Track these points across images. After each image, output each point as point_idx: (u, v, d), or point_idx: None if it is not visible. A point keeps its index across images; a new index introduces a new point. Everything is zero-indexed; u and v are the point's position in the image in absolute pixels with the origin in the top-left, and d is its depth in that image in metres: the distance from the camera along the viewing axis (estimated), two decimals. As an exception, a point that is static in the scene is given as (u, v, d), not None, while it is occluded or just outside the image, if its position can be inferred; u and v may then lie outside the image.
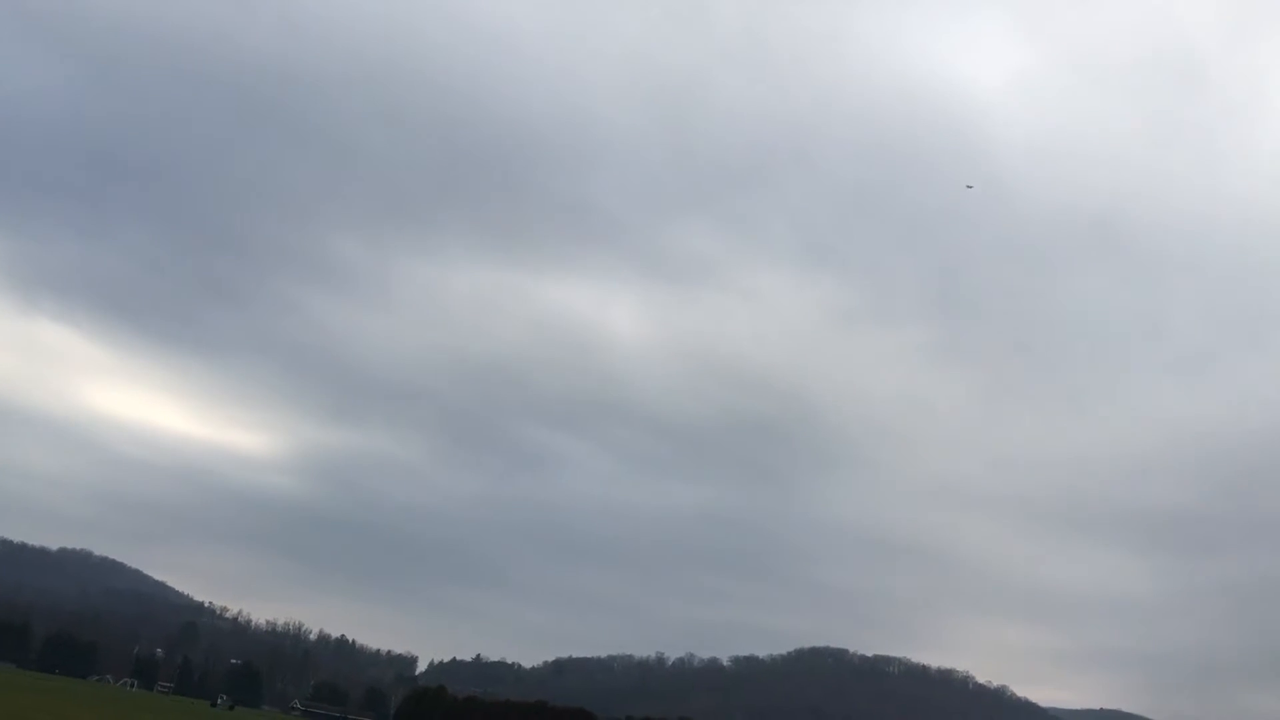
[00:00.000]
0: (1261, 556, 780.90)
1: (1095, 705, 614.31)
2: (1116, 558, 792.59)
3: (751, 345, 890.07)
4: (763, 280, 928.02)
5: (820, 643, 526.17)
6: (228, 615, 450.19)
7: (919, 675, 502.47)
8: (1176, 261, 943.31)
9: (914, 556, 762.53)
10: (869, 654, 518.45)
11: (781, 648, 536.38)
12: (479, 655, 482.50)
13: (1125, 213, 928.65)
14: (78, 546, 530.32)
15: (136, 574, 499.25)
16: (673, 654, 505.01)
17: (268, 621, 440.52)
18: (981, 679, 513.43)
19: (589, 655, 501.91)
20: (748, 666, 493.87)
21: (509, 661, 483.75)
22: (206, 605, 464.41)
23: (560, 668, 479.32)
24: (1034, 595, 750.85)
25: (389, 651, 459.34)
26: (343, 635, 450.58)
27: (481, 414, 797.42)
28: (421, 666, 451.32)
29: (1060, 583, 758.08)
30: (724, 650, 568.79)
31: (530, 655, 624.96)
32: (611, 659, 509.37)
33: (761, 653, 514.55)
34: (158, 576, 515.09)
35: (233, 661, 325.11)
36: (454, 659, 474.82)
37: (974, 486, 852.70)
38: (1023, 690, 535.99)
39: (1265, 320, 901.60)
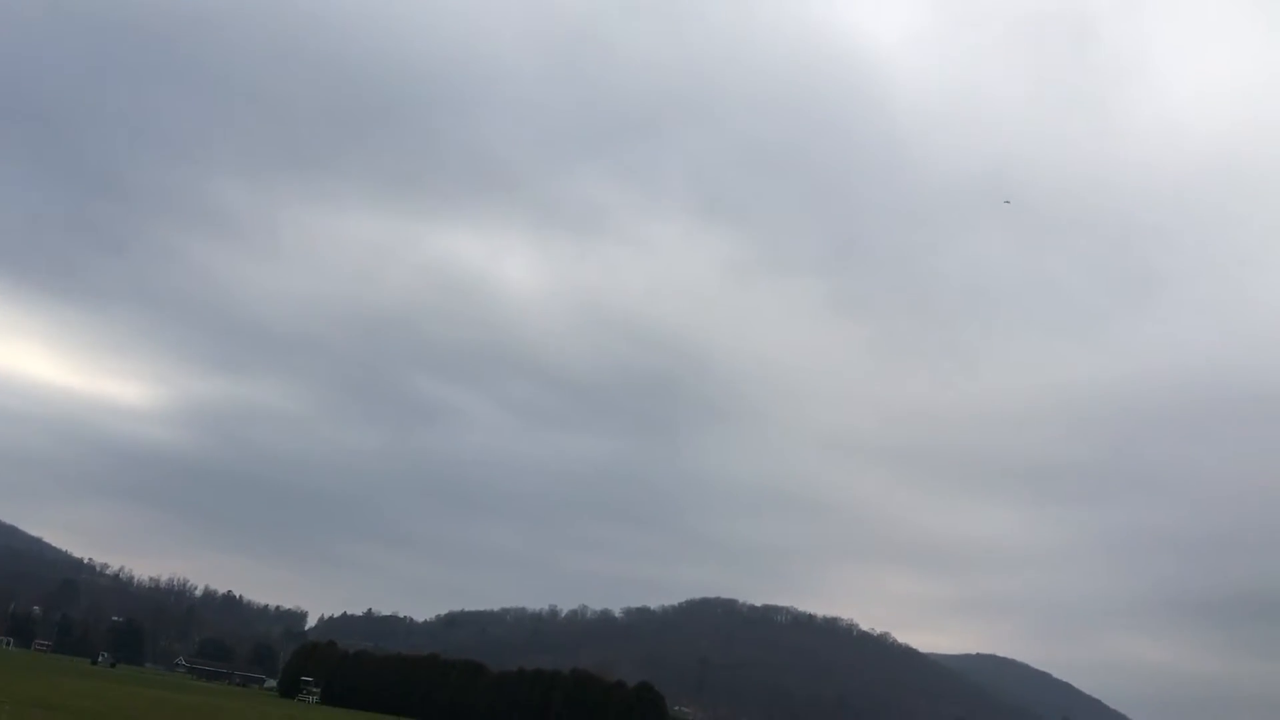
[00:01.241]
0: (1137, 508, 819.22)
1: (973, 650, 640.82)
2: (999, 509, 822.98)
3: (647, 297, 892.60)
4: (659, 232, 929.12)
5: (710, 594, 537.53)
6: (108, 572, 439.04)
7: (806, 624, 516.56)
8: (1067, 222, 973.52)
9: (803, 508, 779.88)
10: (758, 604, 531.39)
11: (673, 599, 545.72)
12: (370, 610, 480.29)
13: (1017, 173, 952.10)
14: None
15: (11, 530, 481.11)
16: (566, 606, 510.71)
17: (150, 578, 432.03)
18: (865, 626, 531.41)
19: (482, 609, 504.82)
20: (639, 618, 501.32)
21: (401, 615, 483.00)
22: (86, 562, 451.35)
23: (453, 621, 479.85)
24: (918, 546, 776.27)
25: (277, 607, 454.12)
26: (229, 591, 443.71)
27: (373, 365, 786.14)
28: (311, 622, 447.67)
29: (944, 533, 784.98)
30: (616, 602, 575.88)
31: (422, 609, 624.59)
32: (504, 612, 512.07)
33: (653, 604, 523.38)
34: (33, 533, 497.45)
35: (114, 619, 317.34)
36: (344, 614, 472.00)
37: (864, 440, 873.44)
38: (905, 637, 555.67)
39: (1152, 281, 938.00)
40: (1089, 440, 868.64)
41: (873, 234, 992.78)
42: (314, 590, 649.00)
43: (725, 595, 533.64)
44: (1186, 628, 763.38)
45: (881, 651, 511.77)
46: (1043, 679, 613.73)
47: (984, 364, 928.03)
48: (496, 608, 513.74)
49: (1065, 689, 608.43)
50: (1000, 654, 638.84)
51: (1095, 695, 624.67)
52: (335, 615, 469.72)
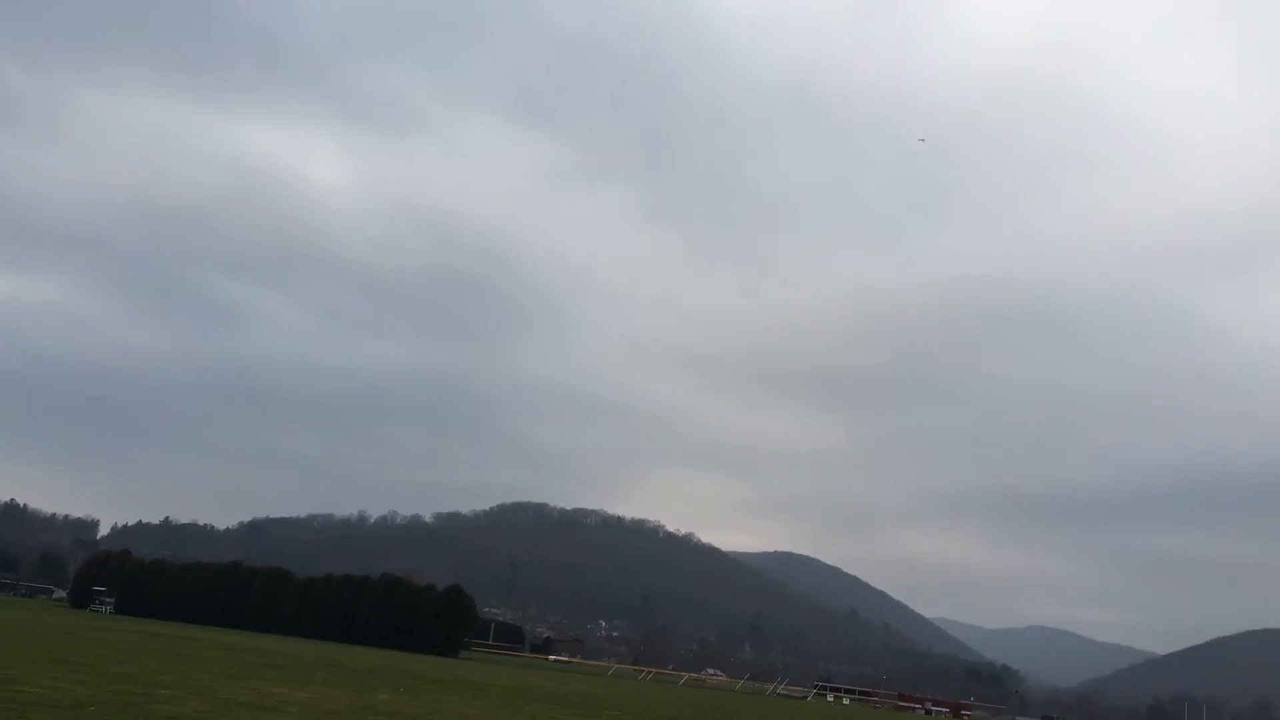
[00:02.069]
0: (925, 413, 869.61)
1: (772, 548, 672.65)
2: (798, 413, 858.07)
3: (457, 199, 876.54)
4: (471, 132, 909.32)
5: (521, 498, 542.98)
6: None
7: (614, 526, 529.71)
8: (868, 134, 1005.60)
9: (612, 413, 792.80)
10: (568, 507, 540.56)
11: (483, 503, 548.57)
12: (167, 518, 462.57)
13: (823, 84, 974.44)
14: None
15: None
16: (374, 512, 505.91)
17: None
18: (671, 528, 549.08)
19: (287, 515, 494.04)
20: (450, 522, 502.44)
21: (201, 523, 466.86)
22: None
23: (256, 528, 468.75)
24: (722, 449, 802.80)
25: (66, 516, 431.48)
26: (11, 499, 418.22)
27: (164, 263, 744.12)
28: (104, 530, 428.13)
29: (746, 437, 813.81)
30: (426, 507, 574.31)
31: (224, 516, 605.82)
32: (311, 518, 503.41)
33: (464, 509, 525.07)
34: None
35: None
36: (140, 522, 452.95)
37: (672, 346, 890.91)
38: (708, 537, 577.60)
39: (947, 195, 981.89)
40: (882, 347, 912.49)
41: (685, 140, 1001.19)
42: (106, 499, 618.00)
43: (536, 499, 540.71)
44: (964, 524, 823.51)
45: (686, 551, 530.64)
46: (834, 573, 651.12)
47: (787, 272, 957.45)
48: (303, 514, 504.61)
49: (854, 582, 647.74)
50: (796, 551, 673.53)
51: (881, 588, 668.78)
52: (130, 524, 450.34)
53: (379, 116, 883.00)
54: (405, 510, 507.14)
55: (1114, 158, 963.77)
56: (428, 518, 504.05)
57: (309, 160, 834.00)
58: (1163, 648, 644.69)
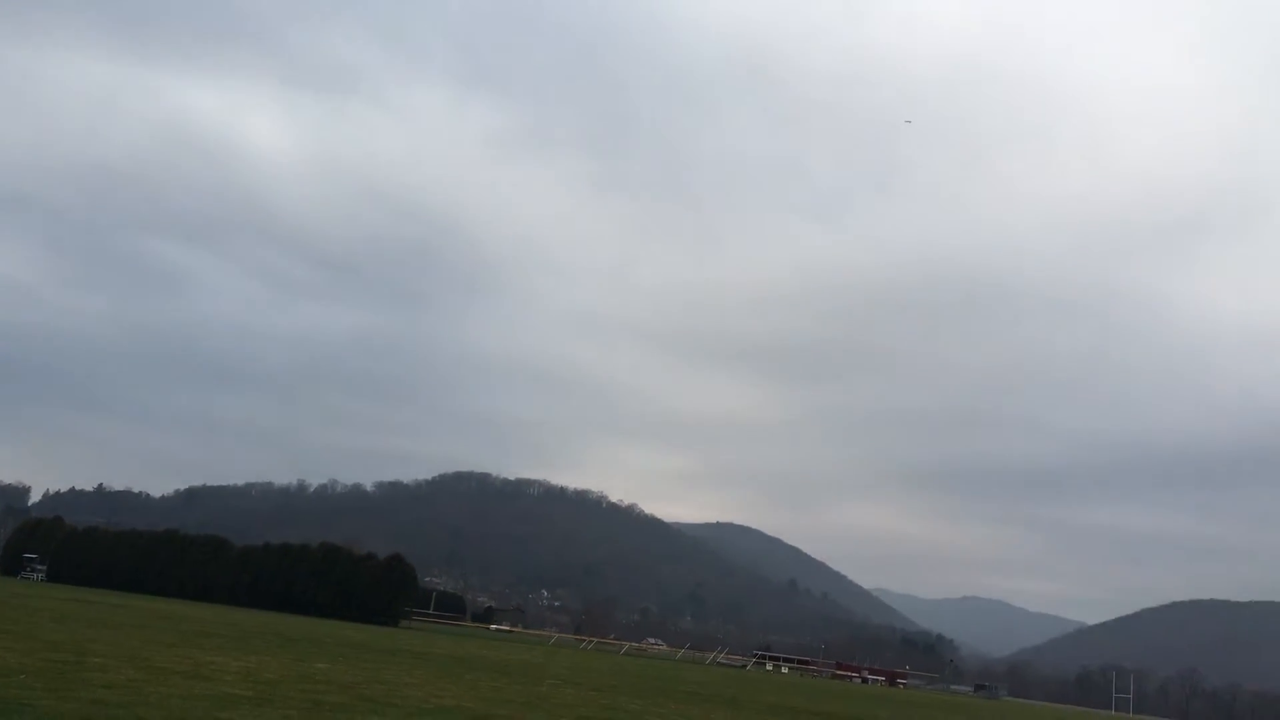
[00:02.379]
0: (863, 385, 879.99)
1: (712, 519, 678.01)
2: (742, 386, 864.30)
3: (405, 166, 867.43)
4: (419, 98, 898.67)
5: (464, 467, 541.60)
6: None
7: (557, 496, 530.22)
8: (819, 106, 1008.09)
9: (558, 383, 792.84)
10: (511, 477, 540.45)
11: (426, 473, 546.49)
12: (101, 485, 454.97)
13: (776, 56, 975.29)
14: None
15: None
16: (315, 481, 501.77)
17: None
18: (614, 498, 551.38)
19: (225, 483, 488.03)
20: (392, 491, 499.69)
21: (136, 491, 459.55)
22: None
23: (193, 496, 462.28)
24: (666, 420, 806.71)
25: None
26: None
27: (99, 226, 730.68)
28: (35, 497, 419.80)
29: (690, 409, 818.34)
30: (368, 476, 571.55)
31: (161, 484, 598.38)
32: (250, 486, 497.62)
33: (406, 478, 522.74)
34: None
35: None
36: (73, 489, 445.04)
37: (619, 317, 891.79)
38: (650, 507, 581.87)
39: (893, 169, 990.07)
40: (827, 320, 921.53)
41: (636, 110, 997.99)
42: (38, 465, 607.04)
43: (479, 469, 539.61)
44: (903, 496, 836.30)
45: (629, 521, 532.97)
46: (775, 544, 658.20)
47: (735, 245, 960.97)
48: (241, 482, 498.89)
49: (794, 553, 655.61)
50: (737, 522, 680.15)
51: (820, 558, 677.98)
52: (63, 490, 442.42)
53: (325, 81, 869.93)
54: (346, 479, 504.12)
55: (1059, 137, 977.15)
56: (369, 487, 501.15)
57: (252, 124, 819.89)
58: (1093, 618, 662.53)
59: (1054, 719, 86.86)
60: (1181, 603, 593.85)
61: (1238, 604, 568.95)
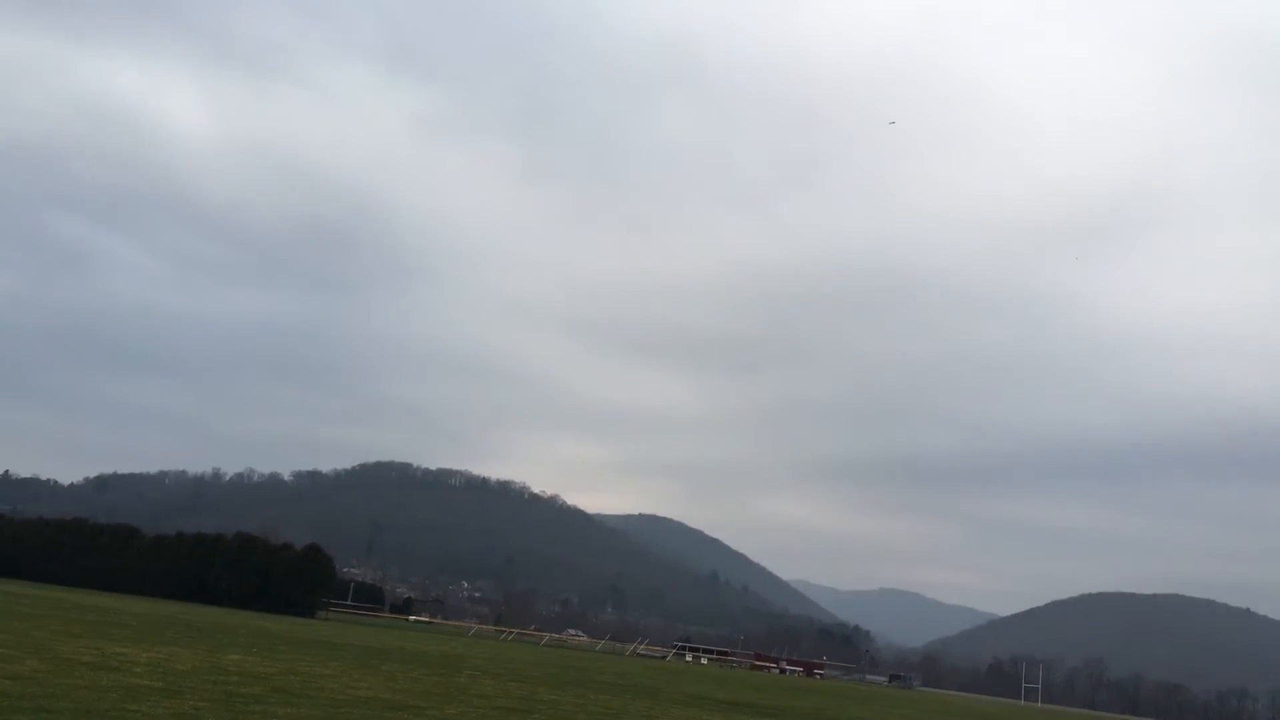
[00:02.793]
0: (789, 379, 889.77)
1: (637, 511, 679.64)
2: (667, 378, 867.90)
3: (329, 148, 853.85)
4: (345, 79, 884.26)
5: (384, 457, 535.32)
6: None
7: (479, 487, 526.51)
8: (748, 97, 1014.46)
9: (481, 373, 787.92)
10: (432, 467, 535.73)
11: (345, 462, 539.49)
12: (7, 471, 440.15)
13: (704, 49, 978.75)
14: None
15: None
16: (230, 469, 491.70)
17: None
18: (537, 489, 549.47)
19: (137, 471, 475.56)
20: (310, 481, 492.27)
21: (43, 478, 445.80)
22: None
23: (104, 484, 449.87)
24: (591, 411, 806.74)
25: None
26: None
27: (4, 200, 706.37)
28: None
29: (615, 400, 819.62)
30: (285, 465, 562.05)
31: (69, 471, 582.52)
32: (163, 474, 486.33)
33: (324, 467, 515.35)
34: None
35: None
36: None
37: (544, 307, 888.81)
38: (574, 499, 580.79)
39: (819, 163, 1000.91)
40: (751, 313, 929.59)
41: (564, 98, 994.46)
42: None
43: (399, 459, 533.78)
44: (823, 489, 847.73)
45: (551, 513, 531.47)
46: (697, 536, 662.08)
47: (662, 237, 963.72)
48: (154, 470, 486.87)
49: (715, 545, 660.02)
50: (660, 514, 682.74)
51: (741, 551, 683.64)
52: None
53: (246, 59, 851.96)
54: (263, 468, 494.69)
55: (977, 136, 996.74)
56: (286, 476, 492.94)
57: (169, 101, 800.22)
58: (1005, 610, 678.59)
59: (964, 709, 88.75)
60: (1090, 595, 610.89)
61: (1143, 596, 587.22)
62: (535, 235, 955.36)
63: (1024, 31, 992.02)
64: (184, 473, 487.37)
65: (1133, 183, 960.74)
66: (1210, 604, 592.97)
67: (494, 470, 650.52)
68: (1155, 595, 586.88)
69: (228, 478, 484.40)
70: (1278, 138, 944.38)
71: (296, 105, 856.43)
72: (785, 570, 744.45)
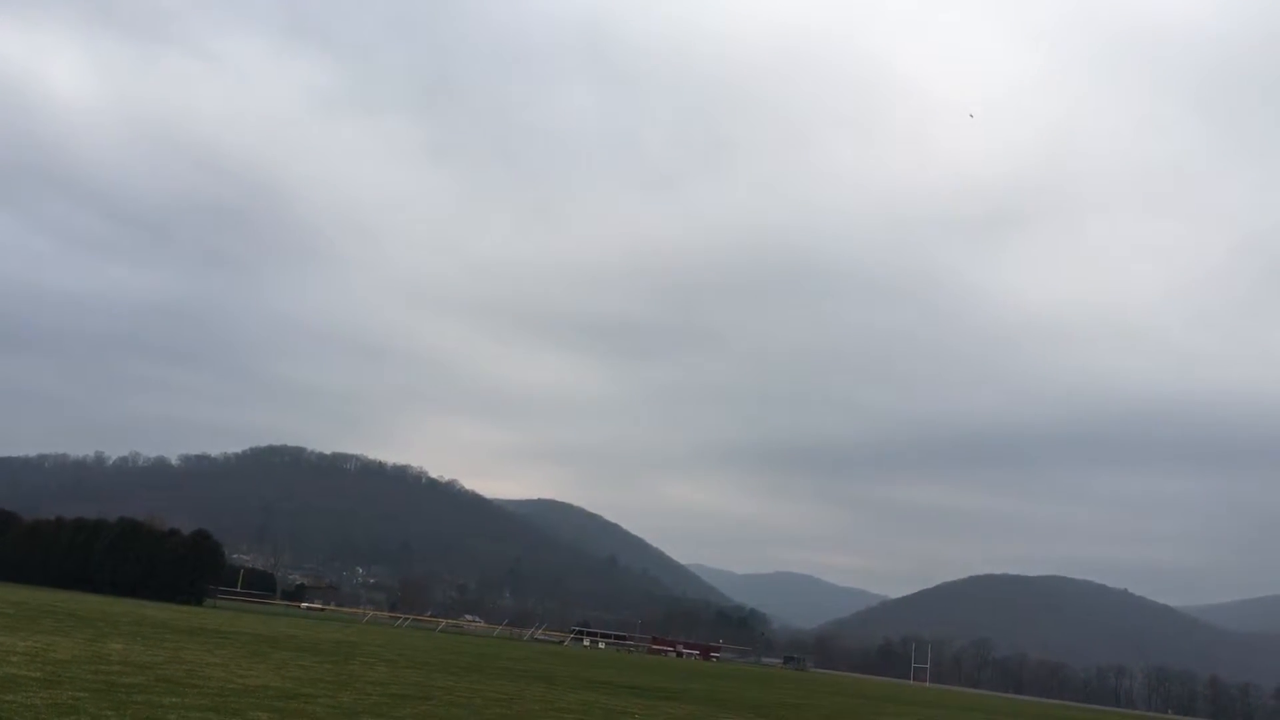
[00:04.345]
0: (688, 363, 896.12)
1: (535, 495, 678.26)
2: (568, 361, 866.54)
3: (220, 121, 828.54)
4: (236, 49, 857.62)
5: (277, 440, 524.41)
6: None
7: (375, 471, 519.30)
8: (653, 79, 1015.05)
9: (378, 355, 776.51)
10: (327, 451, 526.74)
11: (236, 446, 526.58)
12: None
13: (613, 30, 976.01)
14: None
15: None
16: (114, 453, 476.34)
17: None
18: (434, 474, 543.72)
19: (12, 454, 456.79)
20: (199, 465, 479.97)
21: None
22: None
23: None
24: (490, 395, 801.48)
25: None
26: None
27: None
28: None
29: (515, 384, 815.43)
30: (173, 449, 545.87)
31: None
32: (42, 458, 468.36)
33: (214, 451, 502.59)
34: None
35: None
36: None
37: (444, 289, 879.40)
38: (472, 484, 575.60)
39: (725, 148, 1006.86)
40: (654, 298, 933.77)
41: (467, 76, 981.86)
42: None
43: (292, 443, 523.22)
44: (720, 474, 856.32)
45: (449, 498, 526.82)
46: (596, 521, 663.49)
47: (565, 219, 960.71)
48: (31, 454, 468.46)
49: (614, 529, 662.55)
50: (559, 499, 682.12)
51: (640, 535, 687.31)
52: None
53: (133, 24, 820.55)
54: (148, 451, 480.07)
55: (886, 124, 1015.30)
56: (174, 460, 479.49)
57: (49, 67, 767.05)
58: (895, 591, 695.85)
59: (854, 688, 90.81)
60: (978, 576, 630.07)
61: (1028, 578, 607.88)
62: (437, 215, 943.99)
63: (928, 18, 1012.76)
64: (64, 456, 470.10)
65: (1035, 176, 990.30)
66: (1091, 585, 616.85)
67: (390, 455, 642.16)
68: (1040, 577, 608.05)
69: (111, 462, 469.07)
70: (1168, 130, 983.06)
71: (187, 74, 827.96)
72: (683, 554, 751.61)
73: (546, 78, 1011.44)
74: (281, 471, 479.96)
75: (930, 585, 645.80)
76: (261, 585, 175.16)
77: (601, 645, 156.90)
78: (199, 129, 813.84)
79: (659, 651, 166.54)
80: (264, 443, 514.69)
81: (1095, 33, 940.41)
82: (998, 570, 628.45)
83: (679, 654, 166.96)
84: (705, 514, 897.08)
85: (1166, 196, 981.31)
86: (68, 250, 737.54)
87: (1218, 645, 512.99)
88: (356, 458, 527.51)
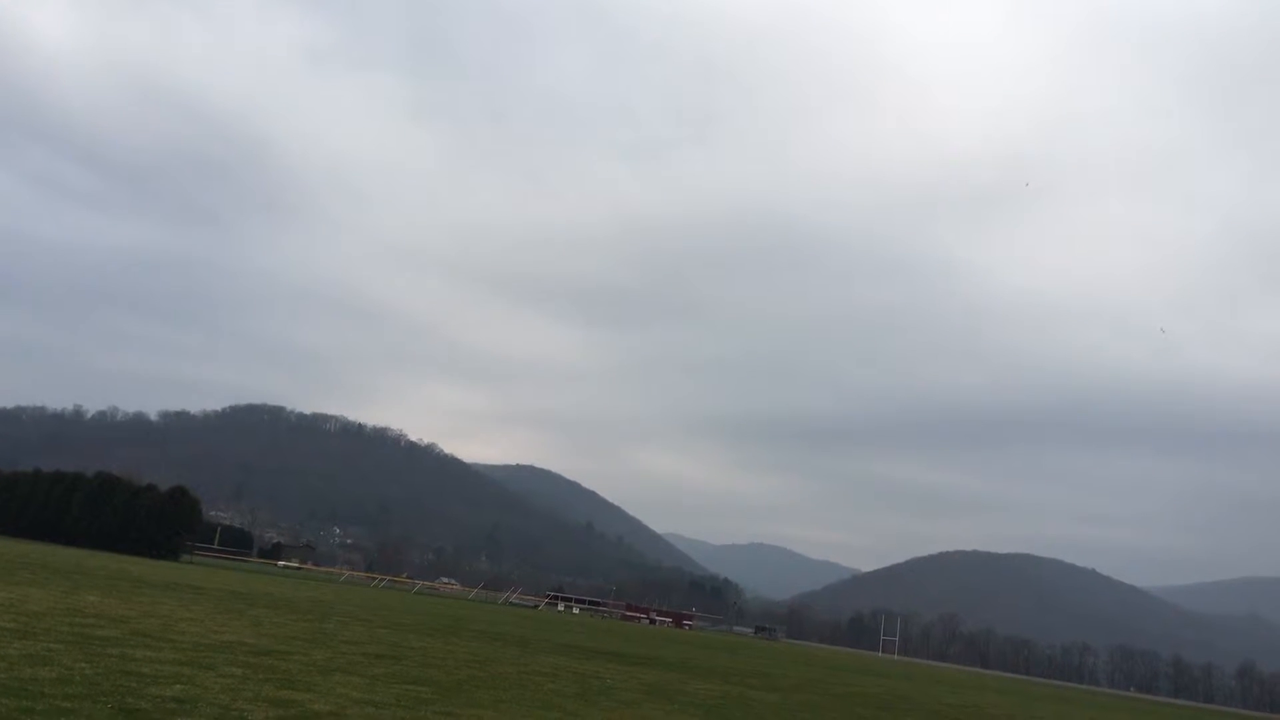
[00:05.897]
0: (672, 333, 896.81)
1: (514, 461, 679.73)
2: (552, 328, 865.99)
3: (208, 71, 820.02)
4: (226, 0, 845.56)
5: (257, 399, 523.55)
6: None
7: (355, 433, 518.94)
8: (647, 48, 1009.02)
9: (361, 316, 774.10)
10: (307, 411, 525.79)
11: (216, 403, 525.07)
12: None
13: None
14: None
15: None
16: (93, 406, 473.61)
17: None
18: (414, 437, 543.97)
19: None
20: (178, 421, 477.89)
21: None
22: None
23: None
24: (472, 360, 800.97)
25: None
26: None
27: None
28: None
29: (497, 349, 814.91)
30: (152, 404, 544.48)
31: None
32: (19, 410, 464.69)
33: (194, 408, 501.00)
34: None
35: None
36: None
37: (430, 251, 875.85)
38: (451, 447, 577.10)
39: (715, 118, 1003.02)
40: (639, 267, 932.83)
41: (457, 34, 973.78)
42: None
43: (273, 401, 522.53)
44: (699, 444, 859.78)
45: (428, 461, 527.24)
46: (573, 488, 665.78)
47: (555, 184, 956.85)
48: (9, 405, 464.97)
49: (592, 497, 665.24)
50: (538, 465, 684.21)
51: (616, 502, 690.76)
52: None
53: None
54: (127, 406, 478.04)
55: (878, 100, 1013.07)
56: (153, 415, 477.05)
57: (32, 12, 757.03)
58: (867, 565, 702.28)
59: (824, 659, 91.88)
60: (948, 553, 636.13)
61: (996, 555, 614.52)
62: (422, 176, 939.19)
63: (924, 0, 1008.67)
64: (43, 409, 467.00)
65: (1021, 157, 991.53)
66: (1058, 564, 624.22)
67: (370, 416, 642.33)
68: (1009, 555, 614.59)
69: (89, 415, 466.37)
70: (1157, 113, 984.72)
71: (173, 22, 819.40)
72: (660, 523, 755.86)
73: (541, 40, 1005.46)
74: (261, 430, 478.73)
75: (902, 560, 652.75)
76: (238, 543, 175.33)
77: (575, 611, 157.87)
78: (184, 77, 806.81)
79: (632, 618, 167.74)
80: (244, 401, 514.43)
81: (1084, 16, 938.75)
82: (969, 547, 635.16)
83: (652, 621, 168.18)
84: (683, 484, 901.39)
85: (1155, 180, 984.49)
86: (49, 199, 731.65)
87: (1183, 626, 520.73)
88: (336, 418, 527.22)
